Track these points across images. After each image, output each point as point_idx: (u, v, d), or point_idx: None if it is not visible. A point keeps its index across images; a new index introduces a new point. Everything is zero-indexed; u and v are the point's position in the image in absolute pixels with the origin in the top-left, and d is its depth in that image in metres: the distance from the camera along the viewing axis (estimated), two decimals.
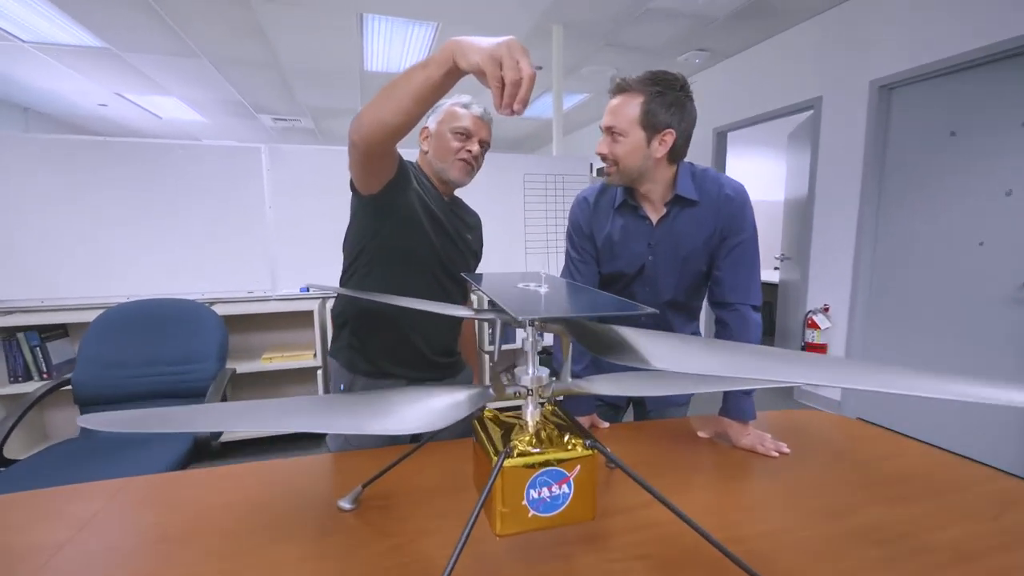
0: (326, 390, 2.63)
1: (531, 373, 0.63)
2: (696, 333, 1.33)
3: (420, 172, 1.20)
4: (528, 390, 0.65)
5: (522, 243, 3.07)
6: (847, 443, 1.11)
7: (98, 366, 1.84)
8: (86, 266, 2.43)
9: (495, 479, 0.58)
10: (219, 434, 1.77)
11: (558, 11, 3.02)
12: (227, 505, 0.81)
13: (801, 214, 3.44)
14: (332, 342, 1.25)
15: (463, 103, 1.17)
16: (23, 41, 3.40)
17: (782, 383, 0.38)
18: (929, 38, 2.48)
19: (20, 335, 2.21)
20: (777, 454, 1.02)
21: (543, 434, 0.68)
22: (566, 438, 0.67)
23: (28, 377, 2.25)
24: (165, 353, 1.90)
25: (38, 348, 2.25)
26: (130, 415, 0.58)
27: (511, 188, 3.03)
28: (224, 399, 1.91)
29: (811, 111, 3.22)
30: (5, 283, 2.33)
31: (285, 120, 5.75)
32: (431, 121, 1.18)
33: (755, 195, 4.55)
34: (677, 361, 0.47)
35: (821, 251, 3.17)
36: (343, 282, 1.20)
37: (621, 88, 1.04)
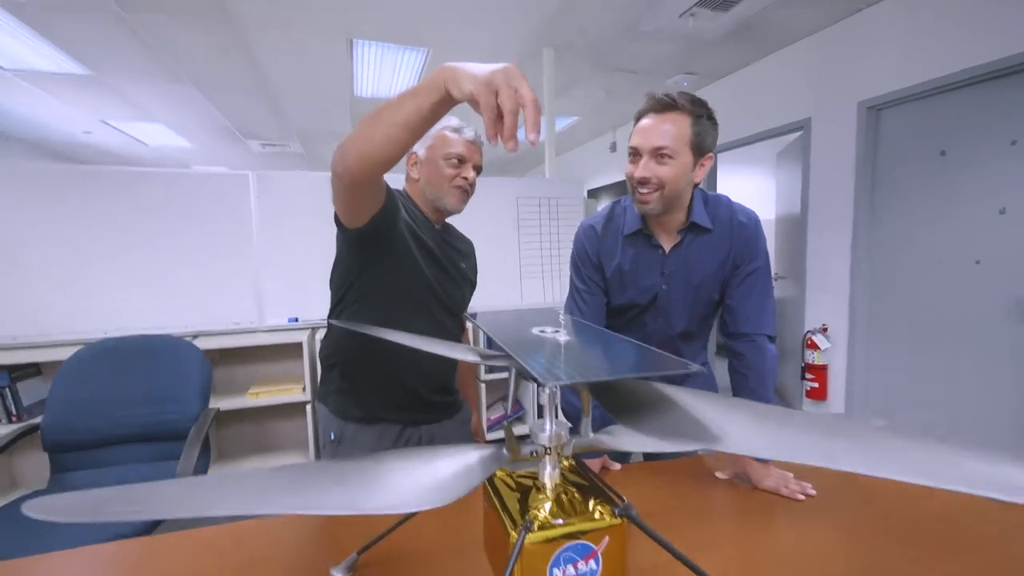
0: (315, 433, 2.51)
1: (549, 430, 0.56)
2: (705, 363, 1.28)
3: (409, 200, 1.14)
4: (546, 448, 0.58)
5: (517, 267, 3.02)
6: (877, 480, 1.04)
7: (70, 408, 1.72)
8: (62, 300, 2.32)
9: (516, 559, 0.50)
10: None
11: (549, 34, 3.03)
12: (209, 572, 0.72)
13: (794, 232, 3.44)
14: (320, 385, 1.17)
15: (453, 127, 1.11)
16: (2, 68, 3.33)
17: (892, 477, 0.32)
18: (916, 59, 2.52)
19: None
20: (803, 497, 0.95)
21: (564, 498, 0.61)
22: (591, 503, 0.60)
23: None
24: (144, 393, 1.79)
25: (7, 388, 2.12)
26: (82, 499, 0.49)
27: (505, 212, 2.99)
28: (207, 441, 1.79)
29: (800, 132, 3.25)
30: None
31: (274, 145, 5.71)
32: (420, 147, 1.12)
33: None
34: (756, 442, 0.40)
35: (817, 270, 3.15)
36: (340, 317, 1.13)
37: (668, 106, 0.97)
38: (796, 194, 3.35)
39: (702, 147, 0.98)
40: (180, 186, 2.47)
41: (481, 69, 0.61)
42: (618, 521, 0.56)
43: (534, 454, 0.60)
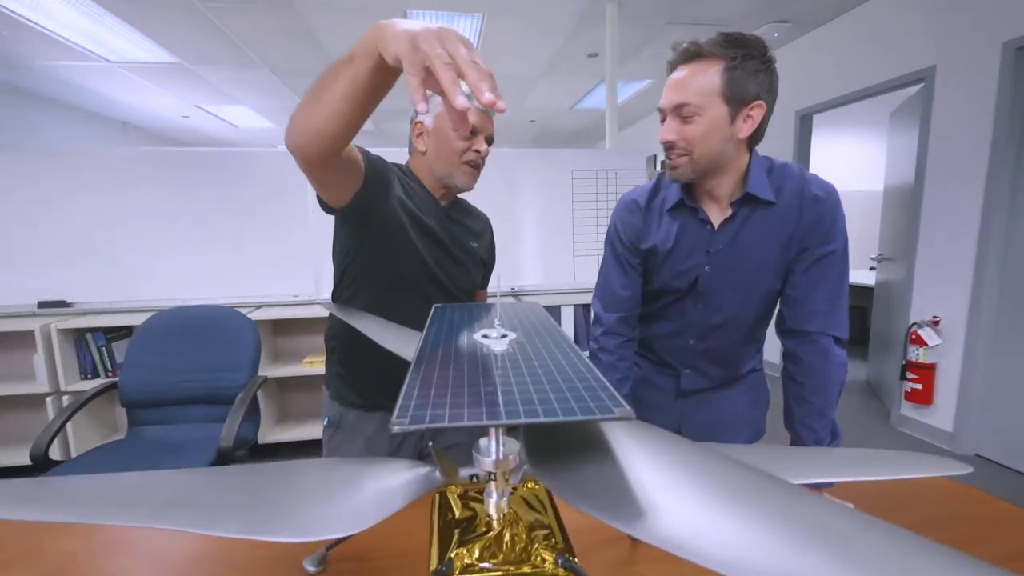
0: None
1: (495, 452, 0.46)
2: (758, 370, 1.08)
3: (409, 176, 1.03)
4: (490, 475, 0.48)
5: (570, 246, 2.85)
6: (966, 525, 0.81)
7: (141, 370, 1.90)
8: (149, 270, 2.56)
9: None
10: (245, 447, 1.76)
11: None
12: (177, 558, 0.71)
13: (906, 206, 2.91)
14: (325, 368, 1.13)
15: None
16: (109, 61, 3.71)
17: None
18: None
19: (88, 335, 2.37)
20: None
21: (507, 535, 0.51)
22: (535, 545, 0.49)
23: (96, 375, 2.41)
24: (202, 359, 1.92)
25: (104, 348, 2.40)
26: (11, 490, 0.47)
27: (558, 186, 2.82)
28: (256, 406, 1.91)
29: (921, 84, 2.69)
30: (82, 287, 2.51)
31: None
32: (427, 117, 0.99)
33: (849, 184, 3.96)
34: (690, 531, 0.27)
35: (931, 251, 2.64)
36: (338, 300, 1.08)
37: (691, 54, 0.81)
38: (911, 161, 2.81)
39: (741, 95, 0.79)
40: (246, 165, 2.59)
41: (409, 26, 0.50)
42: (559, 572, 0.45)
43: (475, 479, 0.50)
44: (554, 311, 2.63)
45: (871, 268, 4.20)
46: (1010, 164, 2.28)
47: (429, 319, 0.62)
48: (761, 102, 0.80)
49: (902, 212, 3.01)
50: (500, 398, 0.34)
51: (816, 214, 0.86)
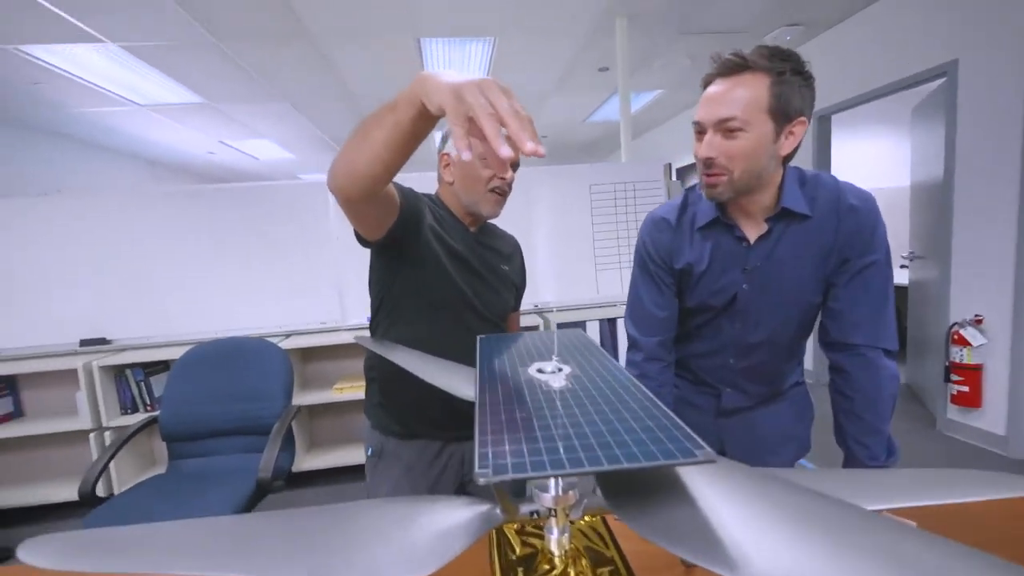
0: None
1: (553, 488, 0.45)
2: (800, 383, 1.05)
3: (439, 205, 1.05)
4: (550, 511, 0.47)
5: (591, 260, 2.84)
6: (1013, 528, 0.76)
7: (180, 405, 1.94)
8: (183, 305, 2.64)
9: None
10: (283, 476, 1.77)
11: (622, 2, 2.78)
12: None
13: (936, 201, 2.83)
14: (364, 398, 1.14)
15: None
16: (139, 105, 3.88)
17: None
18: None
19: (128, 372, 2.44)
20: None
21: (572, 573, 0.50)
22: None
23: (135, 409, 2.47)
24: (236, 391, 1.96)
25: (142, 383, 2.46)
26: (65, 544, 0.48)
27: (576, 201, 2.82)
28: (291, 435, 1.92)
29: (943, 79, 2.63)
30: (120, 323, 2.60)
31: None
32: (453, 148, 1.02)
33: (873, 182, 3.87)
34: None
35: (967, 247, 2.55)
36: (371, 333, 1.10)
37: (736, 66, 0.78)
38: (938, 156, 2.74)
39: (787, 111, 0.77)
40: (269, 197, 2.67)
41: (452, 78, 0.52)
42: None
43: (536, 515, 0.50)
44: (580, 326, 2.62)
45: (902, 266, 4.08)
46: None
47: (478, 352, 0.62)
48: (804, 118, 0.79)
49: (933, 208, 2.93)
50: (576, 442, 0.33)
51: (855, 224, 0.83)
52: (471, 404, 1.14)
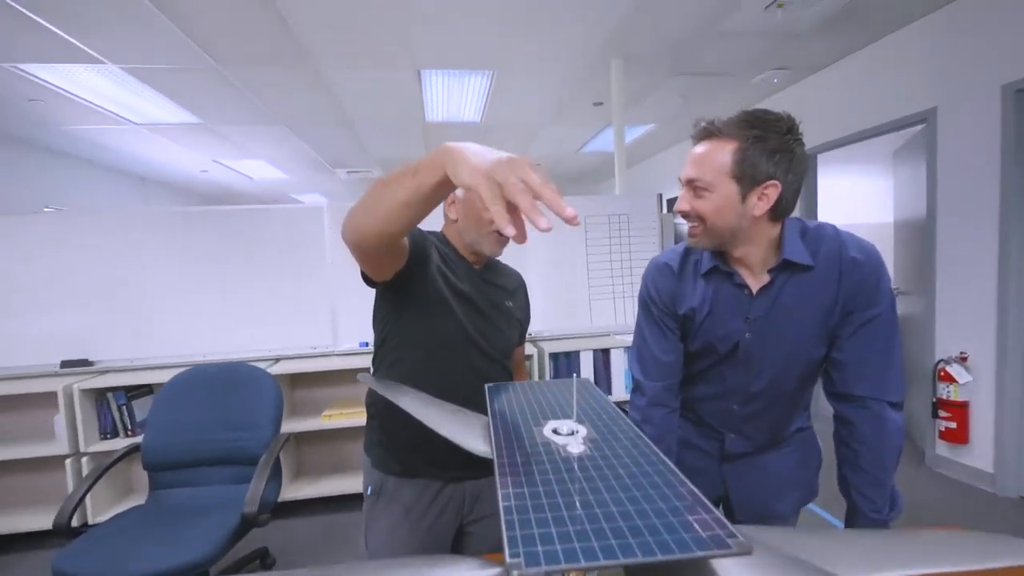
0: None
1: None
2: (806, 428, 1.05)
3: (444, 243, 1.06)
4: (564, 573, 0.46)
5: (585, 290, 2.86)
6: None
7: (163, 432, 1.88)
8: (168, 327, 2.58)
9: None
10: (269, 509, 1.71)
11: (618, 45, 2.88)
12: None
13: (919, 239, 2.91)
14: (365, 435, 1.12)
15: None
16: (136, 123, 3.88)
17: None
18: None
19: (109, 395, 2.37)
20: None
21: None
22: None
23: (115, 434, 2.39)
24: (224, 418, 1.91)
25: (124, 407, 2.39)
26: None
27: (571, 232, 2.86)
28: (277, 465, 1.87)
29: (923, 124, 2.75)
30: (104, 345, 2.53)
31: (358, 172, 6.09)
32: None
33: (857, 218, 3.98)
34: None
35: (951, 284, 2.63)
36: (374, 368, 1.09)
37: (707, 133, 0.84)
38: (920, 196, 2.84)
39: (753, 175, 0.80)
40: (263, 220, 2.66)
41: (482, 158, 0.53)
42: None
43: None
44: (573, 356, 2.62)
45: None
46: (1022, 198, 2.30)
47: (488, 403, 0.62)
48: (775, 182, 0.80)
49: (916, 245, 3.02)
50: (605, 525, 0.33)
51: (858, 277, 0.84)
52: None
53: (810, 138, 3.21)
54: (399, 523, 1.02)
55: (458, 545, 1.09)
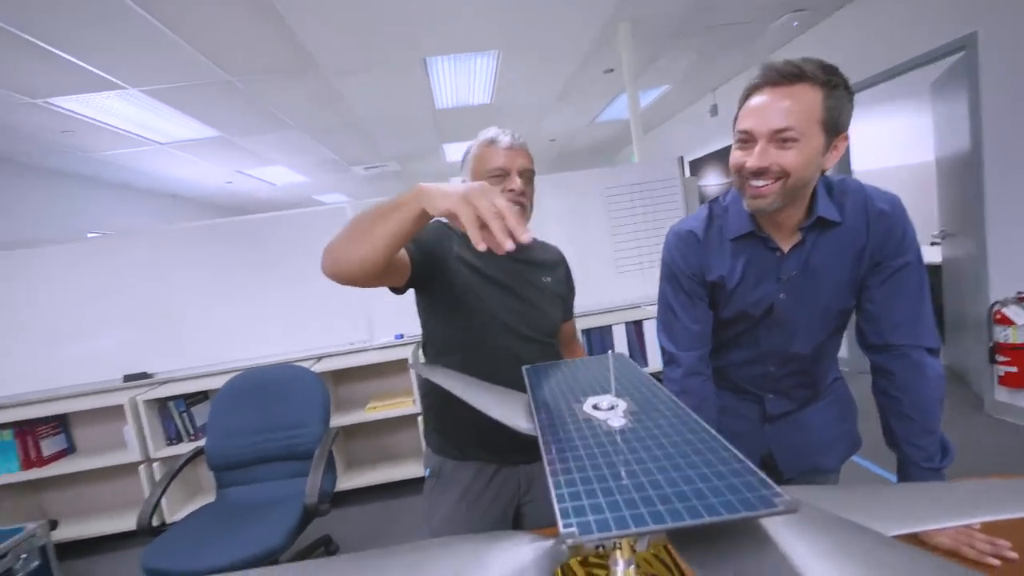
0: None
1: None
2: (839, 379, 1.05)
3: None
4: (615, 544, 0.48)
5: (612, 264, 2.84)
6: None
7: (223, 435, 1.99)
8: (214, 335, 2.72)
9: None
10: (327, 500, 1.80)
11: (623, 8, 2.78)
12: None
13: (965, 177, 2.75)
14: (423, 423, 1.19)
15: (489, 139, 1.02)
16: (160, 144, 4.02)
17: None
18: None
19: (170, 403, 2.52)
20: (997, 562, 0.71)
21: None
22: None
23: (179, 439, 2.55)
24: (276, 419, 2.01)
25: (185, 414, 2.54)
26: None
27: (593, 207, 2.82)
28: (330, 457, 1.95)
29: (962, 52, 2.56)
30: (160, 357, 2.69)
31: (375, 167, 6.15)
32: (466, 173, 1.05)
33: (895, 160, 3.80)
34: None
35: (1002, 221, 2.47)
36: (425, 359, 1.13)
37: (792, 76, 0.76)
38: (963, 130, 2.66)
39: (836, 125, 0.77)
40: (290, 225, 2.74)
41: (455, 188, 0.64)
42: None
43: (601, 548, 0.50)
44: (607, 331, 2.61)
45: (933, 243, 3.96)
46: None
47: (528, 385, 0.63)
48: (846, 136, 0.79)
49: (962, 183, 2.84)
50: (651, 492, 0.34)
51: (886, 227, 0.84)
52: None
53: None
54: (459, 504, 1.06)
55: (516, 526, 1.13)
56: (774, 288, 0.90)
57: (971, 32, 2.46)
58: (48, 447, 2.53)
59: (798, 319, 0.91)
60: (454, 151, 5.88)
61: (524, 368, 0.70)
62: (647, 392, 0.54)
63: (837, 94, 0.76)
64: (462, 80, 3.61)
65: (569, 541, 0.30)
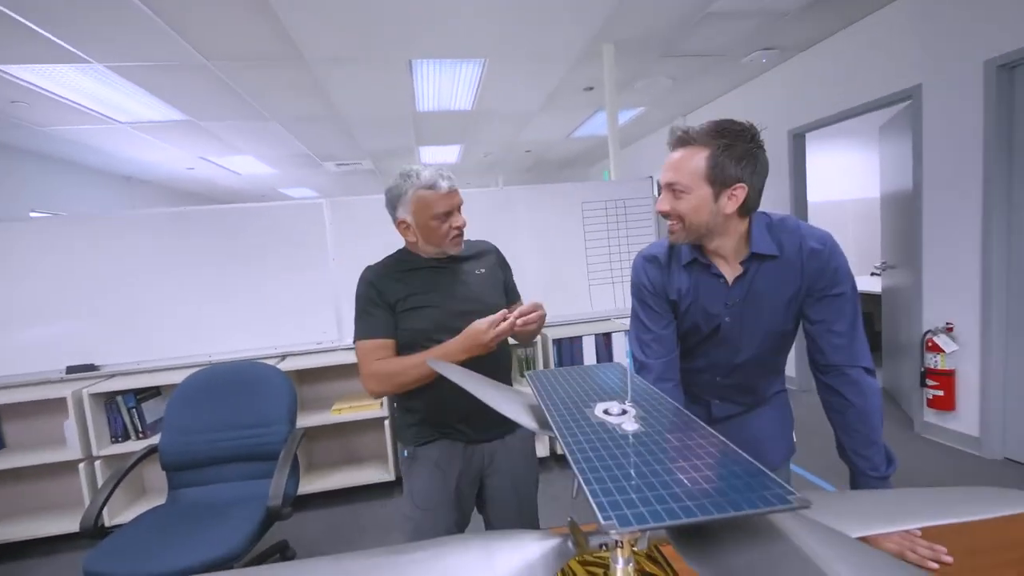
0: (394, 447, 2.60)
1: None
2: (782, 391, 1.18)
3: (410, 254, 1.27)
4: (617, 542, 0.51)
5: (584, 276, 2.91)
6: None
7: (180, 433, 1.90)
8: (172, 328, 2.59)
9: None
10: (290, 503, 1.75)
11: (608, 31, 2.89)
12: None
13: (906, 214, 3.00)
14: (399, 417, 1.32)
15: (425, 185, 1.17)
16: (120, 122, 3.81)
17: None
18: None
19: (119, 398, 2.38)
20: (935, 565, 0.80)
21: None
22: None
23: (127, 437, 2.41)
24: (240, 417, 1.94)
25: (134, 409, 2.40)
26: None
27: (569, 219, 2.90)
28: (295, 460, 1.90)
29: (908, 101, 2.82)
30: (109, 348, 2.54)
31: (347, 164, 6.03)
32: (405, 214, 1.19)
33: (844, 193, 4.11)
34: None
35: (936, 255, 2.72)
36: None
37: (683, 141, 0.95)
38: (906, 171, 2.92)
39: (724, 179, 0.91)
40: (262, 218, 2.66)
41: (483, 336, 1.10)
42: None
43: (604, 547, 0.54)
44: (576, 341, 2.67)
45: (872, 274, 4.28)
46: (1004, 173, 2.38)
47: (533, 389, 0.66)
48: (743, 184, 0.91)
49: (903, 220, 3.11)
50: (678, 489, 0.38)
51: (818, 264, 0.96)
52: (478, 413, 1.26)
53: (798, 116, 3.29)
54: (432, 474, 1.24)
55: (480, 496, 1.32)
56: (722, 311, 1.02)
57: (917, 84, 2.71)
58: None
59: (742, 338, 1.03)
60: (429, 154, 5.88)
61: (527, 373, 0.73)
62: (652, 399, 0.58)
63: (729, 153, 0.90)
64: (446, 85, 3.62)
65: (613, 533, 0.33)
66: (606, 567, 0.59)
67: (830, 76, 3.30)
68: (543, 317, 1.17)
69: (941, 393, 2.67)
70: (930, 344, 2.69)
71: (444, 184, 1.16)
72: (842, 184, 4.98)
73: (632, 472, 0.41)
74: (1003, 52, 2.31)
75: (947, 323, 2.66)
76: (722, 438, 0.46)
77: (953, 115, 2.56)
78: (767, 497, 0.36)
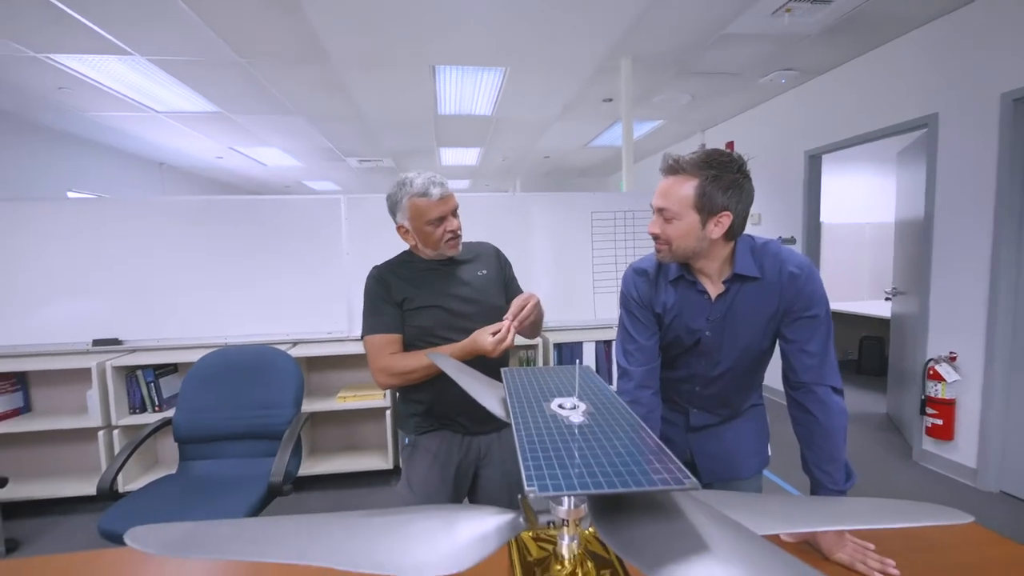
0: (394, 436, 2.70)
1: (567, 502, 0.56)
2: (758, 405, 1.24)
3: (413, 257, 1.34)
4: (563, 520, 0.58)
5: (590, 284, 2.97)
6: (980, 560, 0.88)
7: (194, 408, 2.02)
8: (192, 310, 2.73)
9: None
10: (291, 481, 1.85)
11: (627, 45, 2.95)
12: None
13: (917, 241, 2.99)
14: (401, 406, 1.40)
15: (419, 193, 1.23)
16: (157, 112, 4.00)
17: None
18: None
19: (139, 372, 2.52)
20: None
21: (579, 572, 0.61)
22: None
23: (144, 409, 2.54)
24: (250, 397, 2.05)
25: (152, 384, 2.54)
26: (171, 534, 0.58)
27: (579, 227, 2.96)
28: (298, 441, 2.01)
29: (925, 129, 2.82)
30: (132, 325, 2.68)
31: (369, 161, 6.19)
32: (403, 219, 1.26)
33: (863, 216, 4.11)
34: None
35: (944, 285, 2.71)
36: None
37: (674, 169, 1.00)
38: (920, 198, 2.92)
39: (711, 207, 0.97)
40: (282, 210, 2.78)
41: (488, 341, 1.16)
42: None
43: (552, 524, 0.61)
44: (577, 347, 2.74)
45: (886, 299, 4.25)
46: (1016, 206, 2.37)
47: (505, 385, 0.73)
48: (728, 212, 0.97)
49: (914, 247, 3.10)
50: (596, 469, 0.45)
51: (796, 288, 1.02)
52: (477, 407, 1.33)
53: (815, 137, 3.32)
54: (431, 464, 1.30)
55: (473, 486, 1.37)
56: (703, 325, 1.08)
57: (933, 112, 2.71)
58: (1, 404, 2.49)
59: (720, 352, 1.09)
60: (449, 156, 6.00)
61: (502, 370, 0.80)
62: (604, 398, 0.65)
63: (716, 183, 0.95)
64: (467, 90, 3.73)
65: (531, 496, 0.41)
66: (548, 551, 0.66)
67: (848, 100, 3.30)
68: (537, 304, 1.22)
69: (940, 422, 2.66)
70: (932, 372, 2.69)
71: (436, 191, 1.21)
72: (861, 207, 4.94)
73: (564, 455, 0.48)
74: (1020, 86, 2.31)
75: (951, 352, 2.65)
76: (651, 433, 0.53)
77: (968, 146, 2.56)
78: (667, 479, 0.43)
